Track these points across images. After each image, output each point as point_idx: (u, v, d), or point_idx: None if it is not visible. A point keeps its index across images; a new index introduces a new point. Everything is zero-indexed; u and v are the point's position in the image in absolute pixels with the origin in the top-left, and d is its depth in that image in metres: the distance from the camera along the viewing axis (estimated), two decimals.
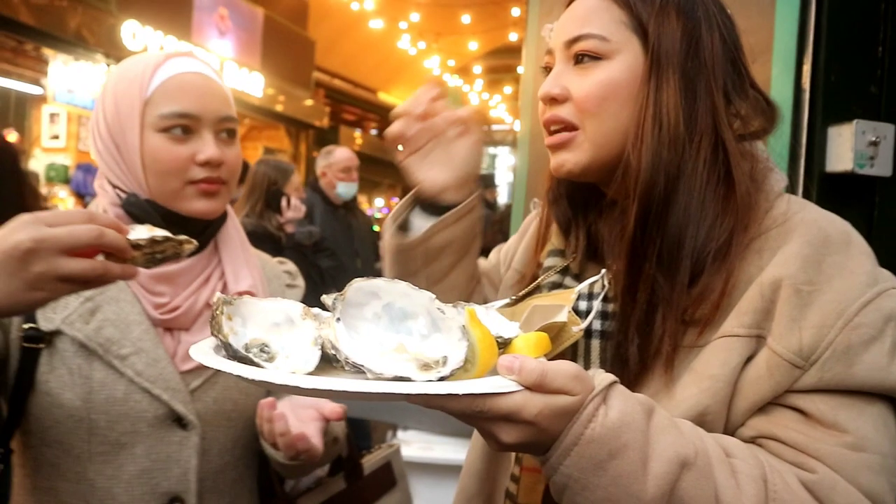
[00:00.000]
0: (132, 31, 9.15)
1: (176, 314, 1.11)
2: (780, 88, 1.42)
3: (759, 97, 0.87)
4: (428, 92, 0.95)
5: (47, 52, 8.41)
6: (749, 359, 0.74)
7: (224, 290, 1.16)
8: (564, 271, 0.92)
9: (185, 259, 1.03)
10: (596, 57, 0.83)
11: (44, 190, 7.00)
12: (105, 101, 1.13)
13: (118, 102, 1.11)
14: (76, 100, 8.93)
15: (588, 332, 0.84)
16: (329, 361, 0.66)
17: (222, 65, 10.99)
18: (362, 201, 14.76)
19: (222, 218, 1.20)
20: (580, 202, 0.94)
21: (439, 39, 14.35)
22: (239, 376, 0.60)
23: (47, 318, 1.05)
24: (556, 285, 0.92)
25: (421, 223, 0.96)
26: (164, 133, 1.09)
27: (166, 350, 1.10)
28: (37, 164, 8.94)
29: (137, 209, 1.10)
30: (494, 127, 21.71)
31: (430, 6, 12.37)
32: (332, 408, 1.08)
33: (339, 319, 0.65)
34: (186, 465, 1.08)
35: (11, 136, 9.70)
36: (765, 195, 0.82)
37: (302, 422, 1.06)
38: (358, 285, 0.67)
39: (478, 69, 16.49)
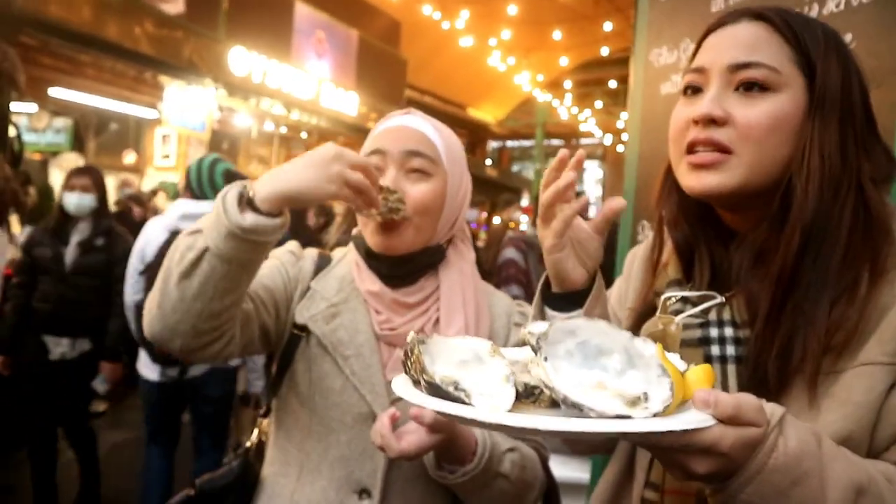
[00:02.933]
0: (238, 57, 9.69)
1: (394, 332, 1.25)
2: None
3: (883, 147, 0.89)
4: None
5: (163, 79, 9.02)
6: (892, 386, 0.76)
7: (436, 325, 1.26)
8: (684, 300, 0.93)
9: (402, 217, 1.19)
10: (764, 87, 0.84)
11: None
12: None
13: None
14: (187, 122, 9.53)
15: (724, 359, 0.86)
16: (517, 398, 0.67)
17: (320, 85, 11.43)
18: None
19: (435, 257, 1.30)
20: (701, 229, 0.95)
21: (529, 55, 14.37)
22: (473, 418, 0.62)
23: (300, 314, 1.27)
24: (678, 314, 0.92)
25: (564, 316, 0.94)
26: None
27: (380, 359, 1.24)
28: (149, 181, 9.58)
29: (356, 243, 1.32)
30: (583, 141, 21.47)
31: (521, 23, 12.42)
32: (417, 413, 1.06)
33: (546, 359, 0.66)
34: (377, 463, 1.21)
35: (130, 157, 10.48)
36: (891, 230, 0.85)
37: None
38: (558, 325, 0.68)
39: (567, 84, 16.35)
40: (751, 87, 0.84)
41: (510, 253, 4.37)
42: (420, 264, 1.28)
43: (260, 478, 1.32)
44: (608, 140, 19.77)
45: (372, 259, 1.28)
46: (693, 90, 0.90)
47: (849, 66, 0.86)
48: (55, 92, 9.20)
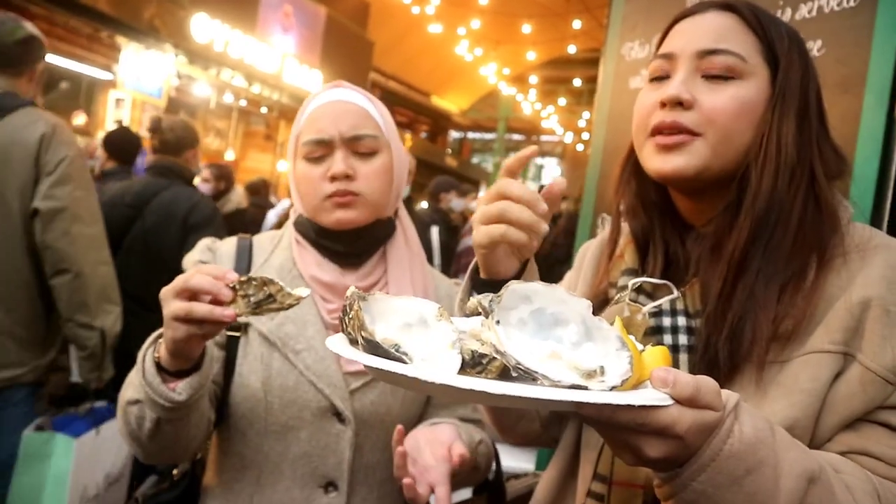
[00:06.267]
0: (201, 23, 9.41)
1: None
2: (871, 118, 1.40)
3: (833, 146, 0.92)
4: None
5: (120, 40, 8.69)
6: (837, 375, 0.77)
7: None
8: (638, 290, 0.94)
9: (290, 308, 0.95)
10: (729, 77, 0.86)
11: None
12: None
13: (291, 136, 1.29)
14: (143, 87, 9.22)
15: (676, 347, 0.87)
16: (462, 366, 0.62)
17: (284, 60, 11.20)
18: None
19: (387, 230, 1.29)
20: (658, 218, 0.97)
21: (498, 47, 14.37)
22: (415, 377, 0.55)
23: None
24: (636, 303, 0.93)
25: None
26: (305, 159, 1.23)
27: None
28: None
29: (300, 227, 1.28)
30: (544, 138, 21.62)
31: (491, 14, 12.39)
32: (459, 452, 1.03)
33: (498, 322, 0.62)
34: (341, 456, 1.18)
35: (80, 119, 10.09)
36: (839, 221, 0.87)
37: (434, 460, 1.04)
38: (513, 288, 0.64)
39: (533, 79, 16.43)
40: (717, 75, 0.87)
41: (470, 241, 4.37)
42: (373, 238, 1.27)
43: (206, 488, 1.26)
44: (569, 138, 19.97)
45: (325, 239, 1.24)
46: (659, 79, 0.91)
47: (808, 66, 0.90)
48: None
